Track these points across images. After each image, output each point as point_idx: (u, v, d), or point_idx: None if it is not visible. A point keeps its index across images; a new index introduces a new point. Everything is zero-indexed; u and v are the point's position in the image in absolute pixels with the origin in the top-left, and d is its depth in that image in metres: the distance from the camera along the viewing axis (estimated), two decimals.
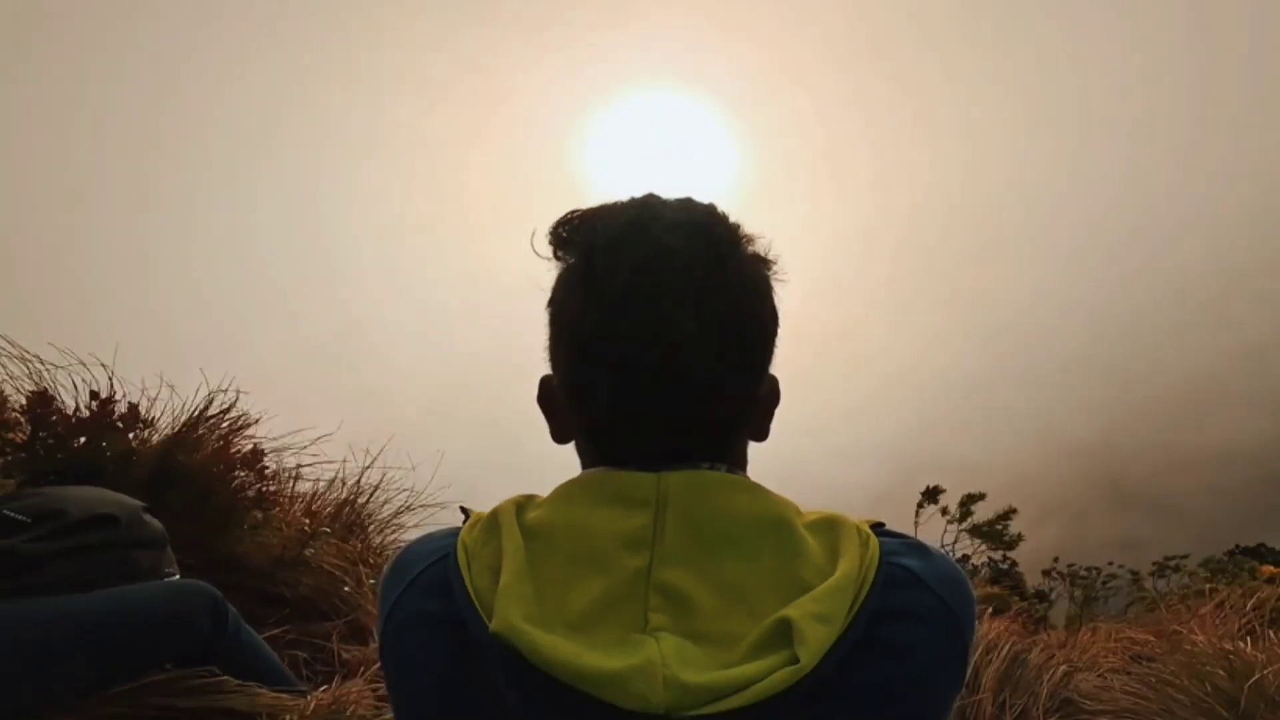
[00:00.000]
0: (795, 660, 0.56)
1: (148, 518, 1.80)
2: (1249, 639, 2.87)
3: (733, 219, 0.73)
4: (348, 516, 3.38)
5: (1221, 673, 1.96)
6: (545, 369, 0.75)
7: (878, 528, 0.70)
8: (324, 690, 1.86)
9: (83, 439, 2.65)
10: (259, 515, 2.77)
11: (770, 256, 0.74)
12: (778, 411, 0.76)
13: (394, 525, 3.42)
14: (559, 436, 0.77)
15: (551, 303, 0.73)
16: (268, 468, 2.91)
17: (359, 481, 3.38)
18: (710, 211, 0.72)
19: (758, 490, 0.68)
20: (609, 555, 0.62)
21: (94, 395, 2.79)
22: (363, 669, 2.25)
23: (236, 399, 2.91)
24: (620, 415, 0.69)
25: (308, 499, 3.14)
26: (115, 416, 2.73)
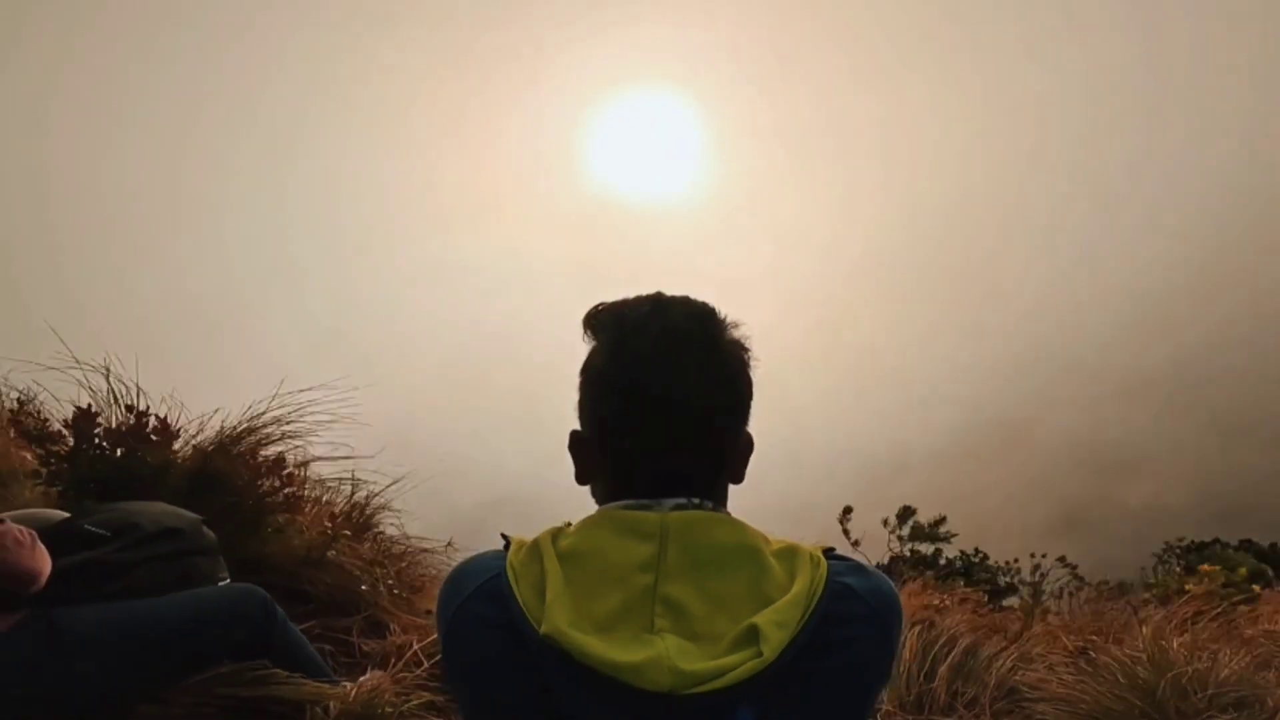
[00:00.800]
0: (760, 655, 0.79)
1: (205, 529, 2.01)
2: (1183, 634, 3.17)
3: (722, 314, 1.00)
4: (358, 519, 3.59)
5: (1142, 668, 2.24)
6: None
7: (829, 552, 0.94)
8: (364, 679, 2.08)
9: (120, 450, 2.85)
10: (283, 519, 2.98)
11: (746, 343, 1.00)
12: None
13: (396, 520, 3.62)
14: (582, 478, 1.01)
15: (587, 369, 0.98)
16: (292, 474, 3.12)
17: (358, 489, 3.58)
18: (707, 306, 0.99)
19: (737, 525, 0.91)
20: (626, 575, 0.84)
21: (130, 409, 2.98)
22: (393, 660, 2.46)
23: (263, 411, 3.12)
24: (641, 437, 0.92)
25: (328, 503, 3.34)
26: (149, 429, 2.92)
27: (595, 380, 0.96)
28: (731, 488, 1.01)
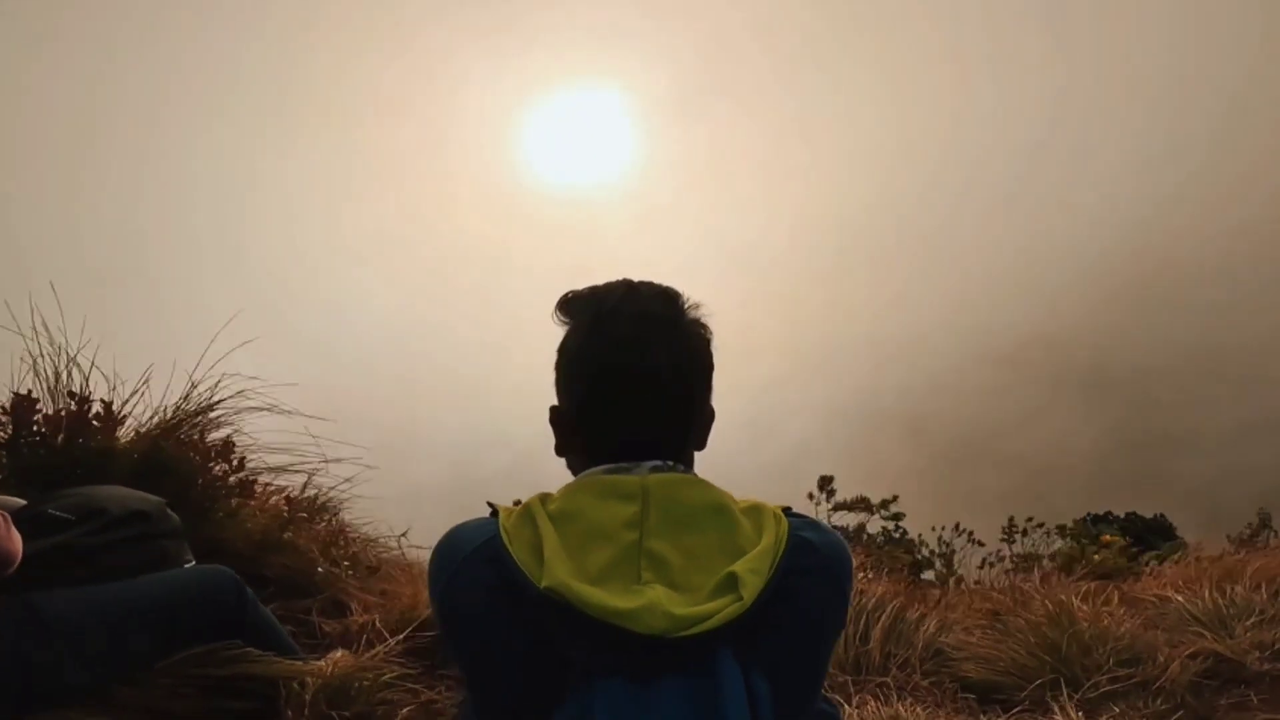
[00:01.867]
0: (740, 599, 0.88)
1: (169, 512, 2.00)
2: (1086, 598, 3.46)
3: (685, 297, 1.11)
4: (313, 501, 3.55)
5: (1046, 626, 2.47)
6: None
7: (787, 510, 1.05)
8: (334, 655, 2.11)
9: (62, 436, 2.75)
10: (235, 504, 2.93)
11: (706, 322, 1.11)
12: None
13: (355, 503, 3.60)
14: (561, 450, 1.11)
15: (564, 349, 1.07)
16: (242, 457, 3.06)
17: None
18: (672, 290, 1.10)
19: (708, 486, 1.00)
20: (614, 532, 0.92)
21: (71, 395, 2.87)
22: (358, 639, 2.48)
23: (211, 393, 3.05)
24: (618, 409, 1.02)
25: (282, 486, 3.30)
26: (91, 415, 2.82)
27: (574, 359, 1.06)
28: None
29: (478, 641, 0.96)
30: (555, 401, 1.09)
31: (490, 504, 1.03)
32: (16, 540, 1.51)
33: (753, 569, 0.90)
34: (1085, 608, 2.84)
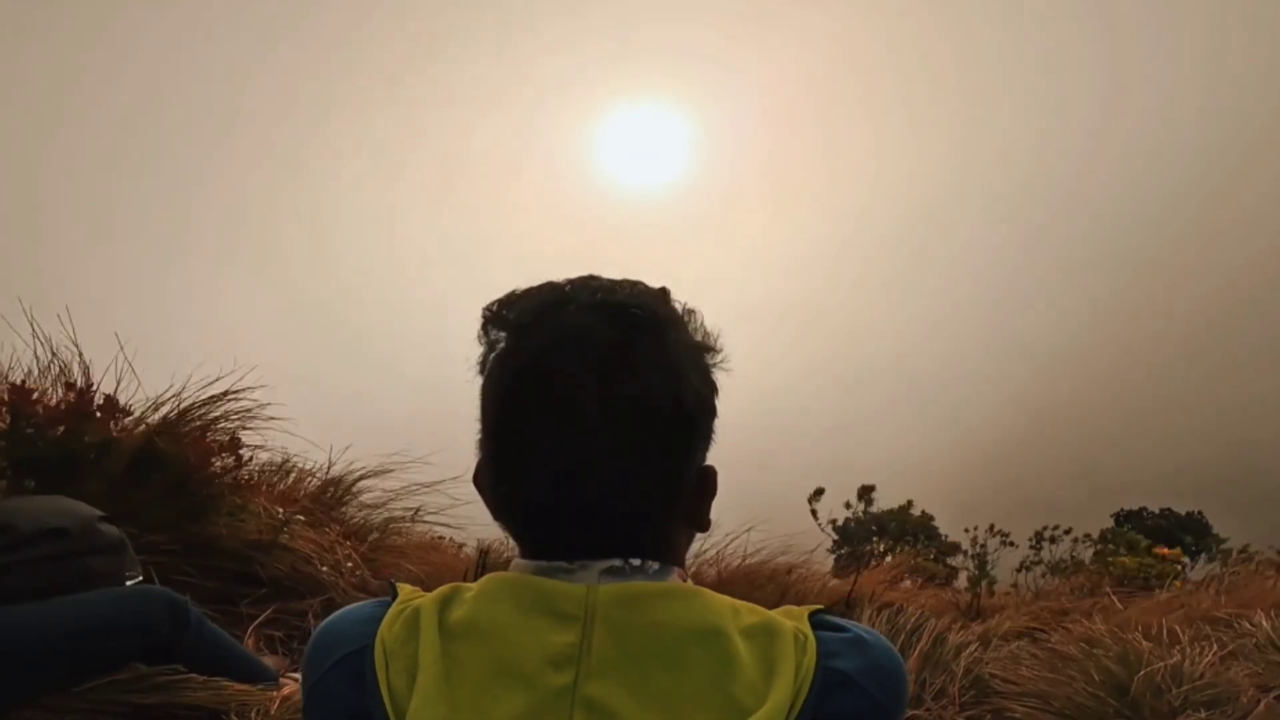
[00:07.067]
0: None
1: (103, 526, 1.65)
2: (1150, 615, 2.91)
3: (674, 301, 0.65)
4: (330, 497, 3.25)
5: (1110, 661, 1.97)
6: None
7: (817, 615, 0.62)
8: (298, 673, 1.75)
9: (61, 428, 2.48)
10: (237, 500, 2.63)
11: (709, 341, 0.65)
12: None
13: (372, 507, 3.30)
14: (494, 516, 0.67)
15: (482, 383, 0.64)
16: (245, 455, 2.76)
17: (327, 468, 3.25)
18: (639, 293, 0.63)
19: (692, 596, 0.59)
20: (533, 672, 0.54)
21: (70, 386, 2.61)
22: None
23: (220, 387, 2.76)
24: (526, 503, 0.61)
25: (285, 484, 2.99)
26: (94, 406, 2.56)
27: (481, 412, 0.63)
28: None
29: None
30: None
31: (392, 583, 0.66)
32: None
33: None
34: (1153, 632, 2.31)
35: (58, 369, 2.69)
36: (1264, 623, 2.48)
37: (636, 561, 0.60)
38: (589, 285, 0.63)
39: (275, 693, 1.65)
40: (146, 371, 2.81)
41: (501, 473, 0.62)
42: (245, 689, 1.67)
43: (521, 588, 0.59)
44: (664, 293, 0.66)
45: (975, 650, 2.40)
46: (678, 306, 0.66)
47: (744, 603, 0.61)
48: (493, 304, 0.64)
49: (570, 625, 0.55)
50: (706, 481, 0.65)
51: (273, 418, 2.92)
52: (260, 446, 2.93)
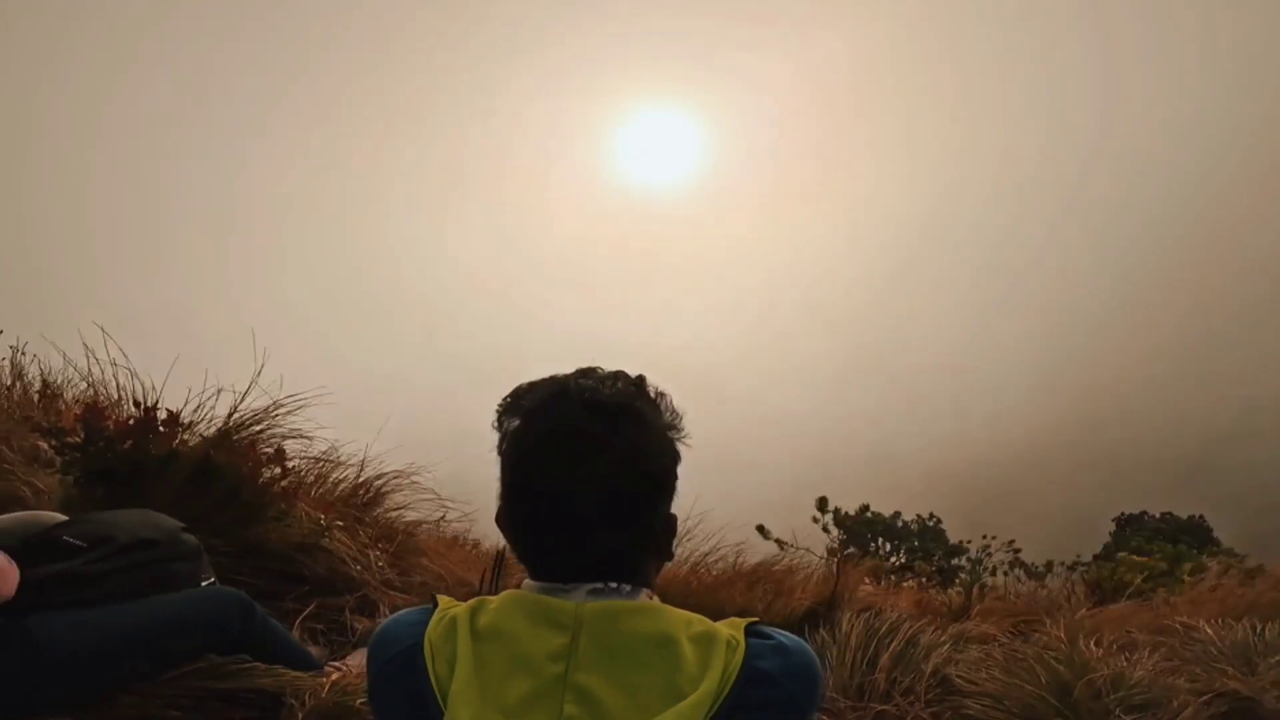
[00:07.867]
0: None
1: (185, 536, 1.92)
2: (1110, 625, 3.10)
3: (648, 387, 0.89)
4: (362, 498, 3.51)
5: (1061, 664, 2.17)
6: None
7: (753, 626, 0.84)
8: (340, 662, 2.01)
9: (129, 443, 2.75)
10: (283, 507, 2.89)
11: (674, 420, 0.90)
12: None
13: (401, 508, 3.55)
14: (510, 548, 0.93)
15: (501, 454, 0.90)
16: (291, 465, 3.02)
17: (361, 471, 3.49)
18: (619, 391, 0.87)
19: (654, 613, 0.82)
20: (537, 664, 0.78)
21: (138, 404, 2.88)
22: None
23: (270, 403, 3.02)
24: (534, 541, 0.87)
25: (321, 488, 3.26)
26: (159, 422, 2.82)
27: (502, 475, 0.89)
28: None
29: None
30: None
31: (434, 594, 0.92)
32: (12, 581, 1.45)
33: None
34: (1105, 642, 2.52)
35: (116, 384, 2.96)
36: (1208, 630, 2.68)
37: (614, 585, 0.84)
38: (580, 385, 0.87)
39: (324, 679, 1.91)
40: (194, 379, 3.08)
41: (516, 522, 0.88)
42: (299, 675, 1.93)
43: (530, 602, 0.83)
44: (640, 382, 0.90)
45: (946, 651, 2.61)
46: (651, 391, 0.90)
47: (696, 615, 0.85)
48: (508, 396, 0.90)
49: (564, 631, 0.79)
50: (670, 526, 0.90)
51: (310, 422, 3.18)
52: (302, 455, 3.19)
